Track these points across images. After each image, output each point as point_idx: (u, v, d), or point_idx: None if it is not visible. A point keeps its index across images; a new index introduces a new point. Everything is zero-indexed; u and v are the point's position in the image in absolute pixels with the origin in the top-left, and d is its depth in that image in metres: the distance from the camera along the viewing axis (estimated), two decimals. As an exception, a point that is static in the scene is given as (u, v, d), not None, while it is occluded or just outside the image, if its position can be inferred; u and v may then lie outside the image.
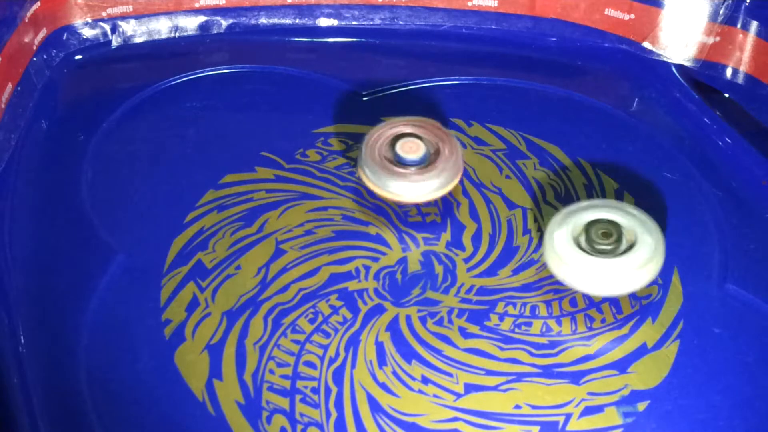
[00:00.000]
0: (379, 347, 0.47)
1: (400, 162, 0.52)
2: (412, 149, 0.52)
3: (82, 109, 0.63)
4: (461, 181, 0.57)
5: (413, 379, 0.46)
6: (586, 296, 0.50)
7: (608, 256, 0.47)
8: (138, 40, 0.68)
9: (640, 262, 0.47)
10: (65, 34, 0.67)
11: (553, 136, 0.60)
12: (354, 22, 0.70)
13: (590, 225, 0.48)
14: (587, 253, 0.47)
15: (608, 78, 0.67)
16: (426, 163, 0.53)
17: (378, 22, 0.70)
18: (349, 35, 0.70)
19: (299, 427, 0.44)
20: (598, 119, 0.63)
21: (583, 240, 0.48)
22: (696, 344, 0.48)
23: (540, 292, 0.50)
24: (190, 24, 0.68)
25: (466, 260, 0.52)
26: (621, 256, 0.47)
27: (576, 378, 0.46)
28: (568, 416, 0.45)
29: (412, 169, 0.52)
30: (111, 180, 0.57)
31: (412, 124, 0.54)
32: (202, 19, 0.69)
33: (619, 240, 0.48)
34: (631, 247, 0.47)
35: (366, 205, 0.55)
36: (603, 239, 0.47)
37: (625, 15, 0.66)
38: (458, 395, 0.45)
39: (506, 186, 0.57)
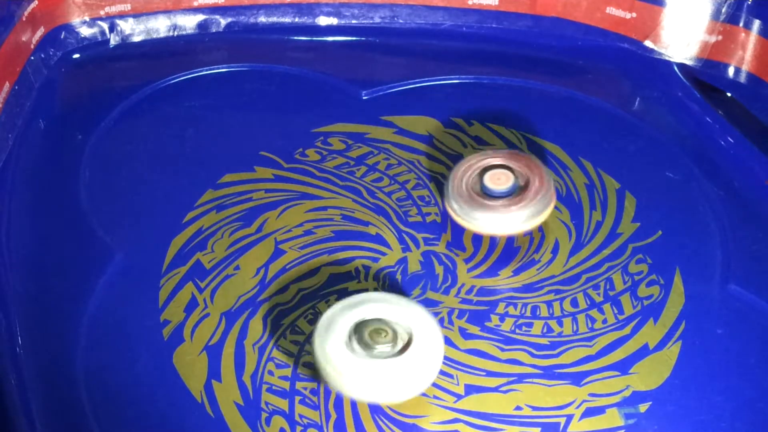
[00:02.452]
0: (379, 348, 0.47)
1: (487, 194, 0.50)
2: (500, 181, 0.50)
3: (80, 108, 0.63)
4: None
5: (413, 380, 0.46)
6: (587, 296, 0.50)
7: (389, 356, 0.42)
8: (136, 38, 0.68)
9: (425, 355, 0.42)
10: (63, 33, 0.66)
11: (554, 135, 0.60)
12: (354, 21, 0.69)
13: (359, 327, 0.43)
14: (368, 357, 0.42)
15: (609, 77, 0.67)
16: (514, 194, 0.50)
17: (378, 20, 0.69)
18: (349, 34, 0.70)
19: (299, 428, 0.44)
20: (599, 118, 0.63)
21: (356, 345, 0.42)
22: (698, 345, 0.48)
23: (541, 292, 0.50)
24: (189, 23, 0.68)
25: (467, 260, 0.52)
26: (404, 354, 0.42)
27: (577, 379, 0.46)
28: (570, 417, 0.44)
29: (500, 201, 0.50)
30: (109, 179, 0.57)
31: (501, 155, 0.52)
32: (200, 17, 0.68)
33: (395, 338, 0.42)
34: (409, 342, 0.42)
35: (366, 205, 0.55)
36: (378, 340, 0.42)
37: (627, 13, 0.66)
38: (459, 396, 0.45)
39: (507, 186, 0.57)
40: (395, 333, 0.43)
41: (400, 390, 0.42)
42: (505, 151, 0.53)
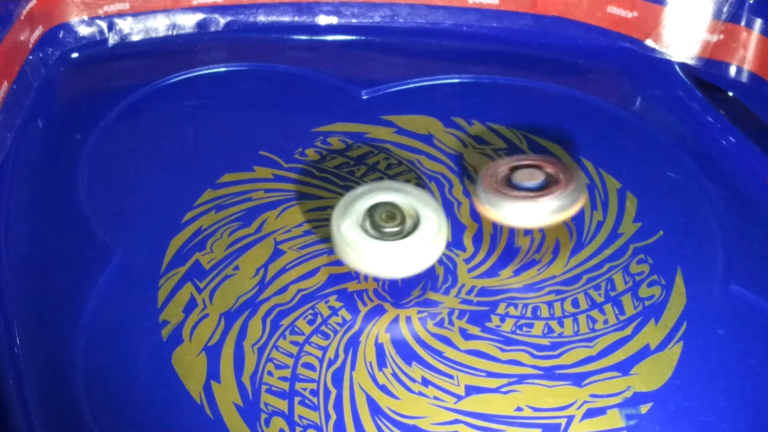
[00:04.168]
0: (379, 349, 0.47)
1: (516, 187, 0.51)
2: (529, 177, 0.51)
3: (79, 108, 0.63)
4: (463, 181, 0.57)
5: (413, 381, 0.46)
6: (588, 297, 0.50)
7: (398, 238, 0.47)
8: (135, 38, 0.68)
9: (431, 237, 0.47)
10: (61, 32, 0.66)
11: (554, 135, 0.60)
12: (353, 20, 0.69)
13: (372, 210, 0.48)
14: (377, 238, 0.47)
15: (610, 76, 0.67)
16: (543, 188, 0.51)
17: (378, 19, 0.69)
18: (349, 33, 0.69)
19: (298, 429, 0.44)
20: (600, 118, 0.62)
21: (369, 226, 0.48)
22: (699, 345, 0.47)
23: (542, 293, 0.50)
24: (188, 22, 0.68)
25: (467, 261, 0.52)
26: (413, 235, 0.47)
27: (578, 380, 0.46)
28: (570, 418, 0.44)
29: (527, 193, 0.51)
30: (108, 179, 0.57)
31: (531, 158, 0.53)
32: (199, 16, 0.68)
33: (403, 221, 0.48)
34: (416, 225, 0.47)
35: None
36: (388, 222, 0.47)
37: (628, 13, 0.66)
38: (459, 397, 0.45)
39: (507, 185, 0.57)
40: (404, 217, 0.48)
41: (402, 267, 0.47)
42: (536, 155, 0.54)
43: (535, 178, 0.51)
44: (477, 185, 0.52)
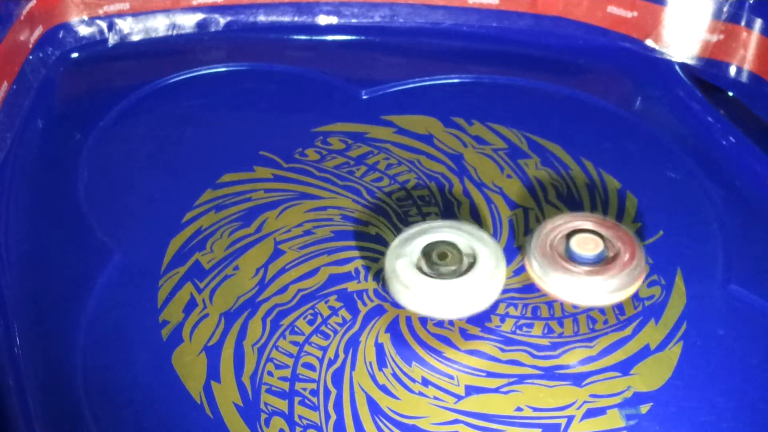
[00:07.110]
0: (379, 349, 0.47)
1: (572, 259, 0.47)
2: (588, 246, 0.47)
3: (79, 108, 0.63)
4: (463, 181, 0.57)
5: (413, 381, 0.46)
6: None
7: (453, 277, 0.45)
8: (135, 38, 0.68)
9: (488, 274, 0.45)
10: (61, 32, 0.66)
11: (554, 135, 0.60)
12: (353, 20, 0.69)
13: (428, 249, 0.47)
14: (432, 277, 0.45)
15: (610, 76, 0.67)
16: (601, 263, 0.47)
17: (378, 19, 0.69)
18: (349, 33, 0.69)
19: (298, 429, 0.44)
20: (600, 118, 0.62)
21: (424, 265, 0.46)
22: (699, 346, 0.47)
23: (542, 292, 0.50)
24: (188, 22, 0.68)
25: (467, 261, 0.52)
26: (468, 274, 0.45)
27: (578, 380, 0.46)
28: (570, 418, 0.44)
29: (584, 268, 0.47)
30: (108, 179, 0.57)
31: (592, 220, 0.49)
32: (199, 16, 0.68)
33: (460, 259, 0.46)
34: (473, 263, 0.46)
35: (366, 205, 0.55)
36: (443, 261, 0.46)
37: (628, 12, 0.66)
38: (459, 397, 0.45)
39: (507, 185, 0.57)
40: (461, 255, 0.47)
41: (459, 308, 0.46)
42: (596, 216, 0.50)
43: (593, 249, 0.47)
44: (530, 247, 0.48)
